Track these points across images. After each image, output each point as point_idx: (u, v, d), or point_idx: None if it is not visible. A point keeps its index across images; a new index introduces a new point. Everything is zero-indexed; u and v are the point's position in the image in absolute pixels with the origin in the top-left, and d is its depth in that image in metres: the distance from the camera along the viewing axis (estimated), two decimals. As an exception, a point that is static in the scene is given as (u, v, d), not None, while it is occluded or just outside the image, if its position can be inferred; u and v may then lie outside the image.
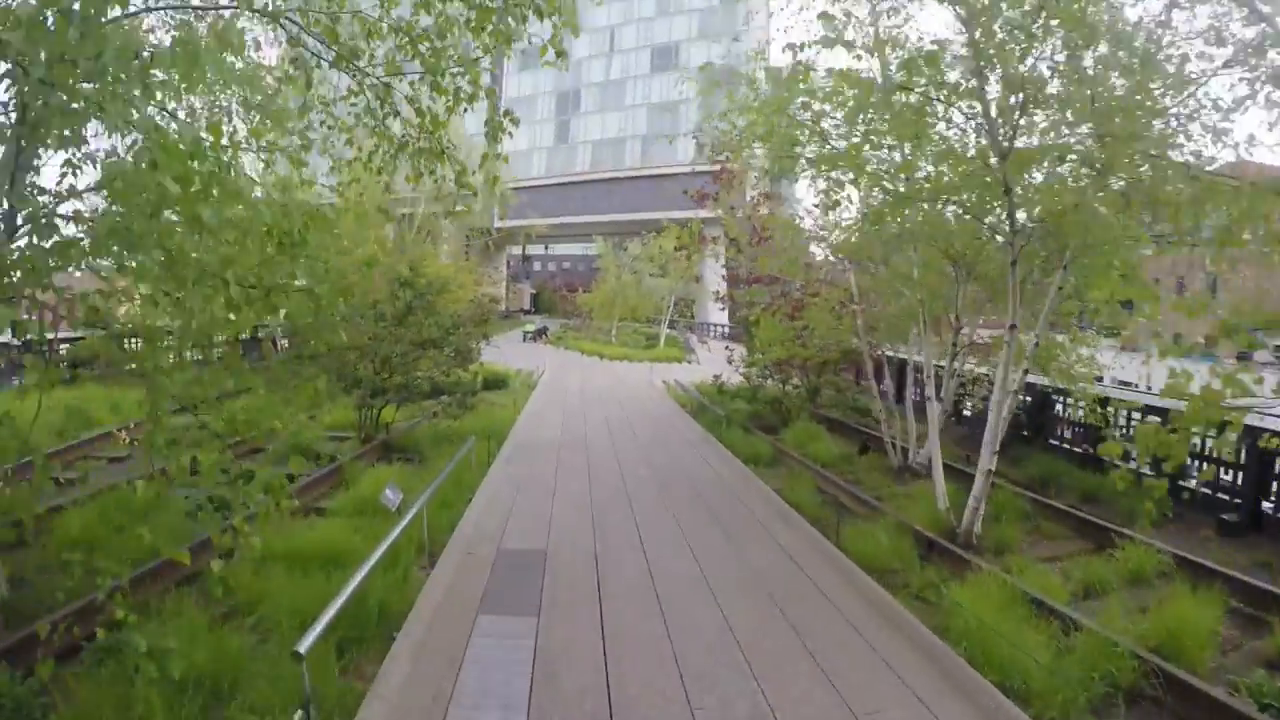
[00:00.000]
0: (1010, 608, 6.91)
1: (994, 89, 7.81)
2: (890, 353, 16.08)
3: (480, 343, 15.58)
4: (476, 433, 14.06)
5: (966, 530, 9.36)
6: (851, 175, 9.00)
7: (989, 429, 9.34)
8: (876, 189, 9.07)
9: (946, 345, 13.03)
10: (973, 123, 8.00)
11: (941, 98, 7.64)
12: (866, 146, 8.60)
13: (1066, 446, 14.53)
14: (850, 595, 6.94)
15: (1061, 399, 15.29)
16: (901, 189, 9.04)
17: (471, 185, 5.82)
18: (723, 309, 47.22)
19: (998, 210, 8.26)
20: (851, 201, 12.03)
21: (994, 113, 7.71)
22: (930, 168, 8.73)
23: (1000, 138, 7.69)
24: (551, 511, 9.50)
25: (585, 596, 6.65)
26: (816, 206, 13.95)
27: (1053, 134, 8.58)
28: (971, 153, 8.01)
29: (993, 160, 7.93)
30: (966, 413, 18.09)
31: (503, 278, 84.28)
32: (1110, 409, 12.52)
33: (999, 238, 8.49)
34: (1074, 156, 7.89)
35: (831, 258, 14.86)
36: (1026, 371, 9.02)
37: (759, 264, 15.22)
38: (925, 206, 8.44)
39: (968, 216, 9.22)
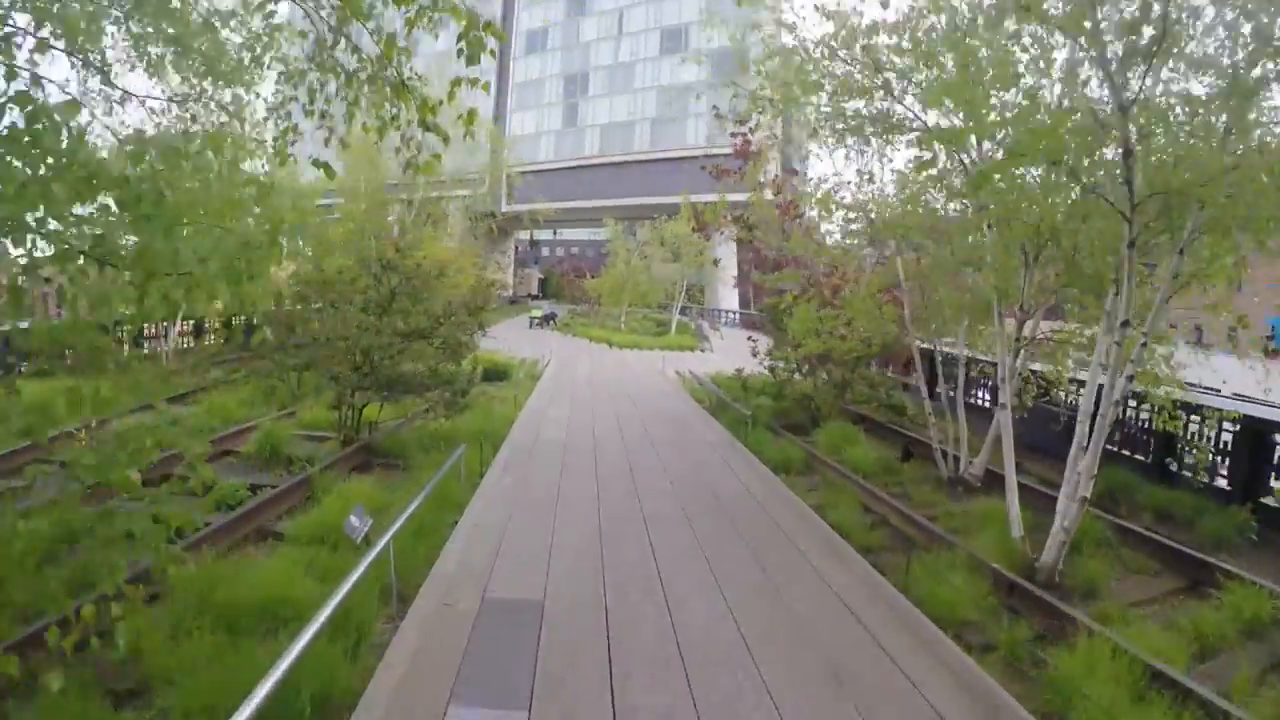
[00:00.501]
0: (1130, 683, 5.43)
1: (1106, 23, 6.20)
2: (931, 346, 14.42)
3: (475, 333, 13.93)
4: (472, 434, 12.54)
5: (1048, 567, 7.81)
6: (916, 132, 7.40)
7: (1078, 444, 7.74)
8: (954, 151, 7.51)
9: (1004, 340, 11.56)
10: (1094, 70, 6.39)
11: (1048, 30, 6.03)
12: (947, 100, 7.00)
13: (1127, 454, 12.94)
14: (931, 668, 5.37)
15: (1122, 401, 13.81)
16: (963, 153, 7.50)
17: (441, 129, 4.25)
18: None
19: (1107, 177, 6.62)
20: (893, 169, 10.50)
21: (1111, 55, 6.08)
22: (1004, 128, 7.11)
23: (1120, 86, 6.06)
24: (552, 540, 7.89)
25: (592, 674, 5.08)
26: (854, 181, 12.39)
27: (1160, 86, 7.01)
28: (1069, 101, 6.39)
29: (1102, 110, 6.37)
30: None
31: (510, 262, 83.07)
32: (1193, 416, 11.01)
33: (1107, 214, 6.82)
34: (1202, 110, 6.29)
35: (848, 239, 13.18)
36: (1132, 378, 7.41)
37: (790, 245, 13.51)
38: (1027, 172, 6.77)
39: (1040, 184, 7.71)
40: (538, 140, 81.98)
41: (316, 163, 4.07)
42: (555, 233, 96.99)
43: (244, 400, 15.27)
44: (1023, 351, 11.27)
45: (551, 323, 48.25)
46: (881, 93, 7.66)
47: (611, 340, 38.14)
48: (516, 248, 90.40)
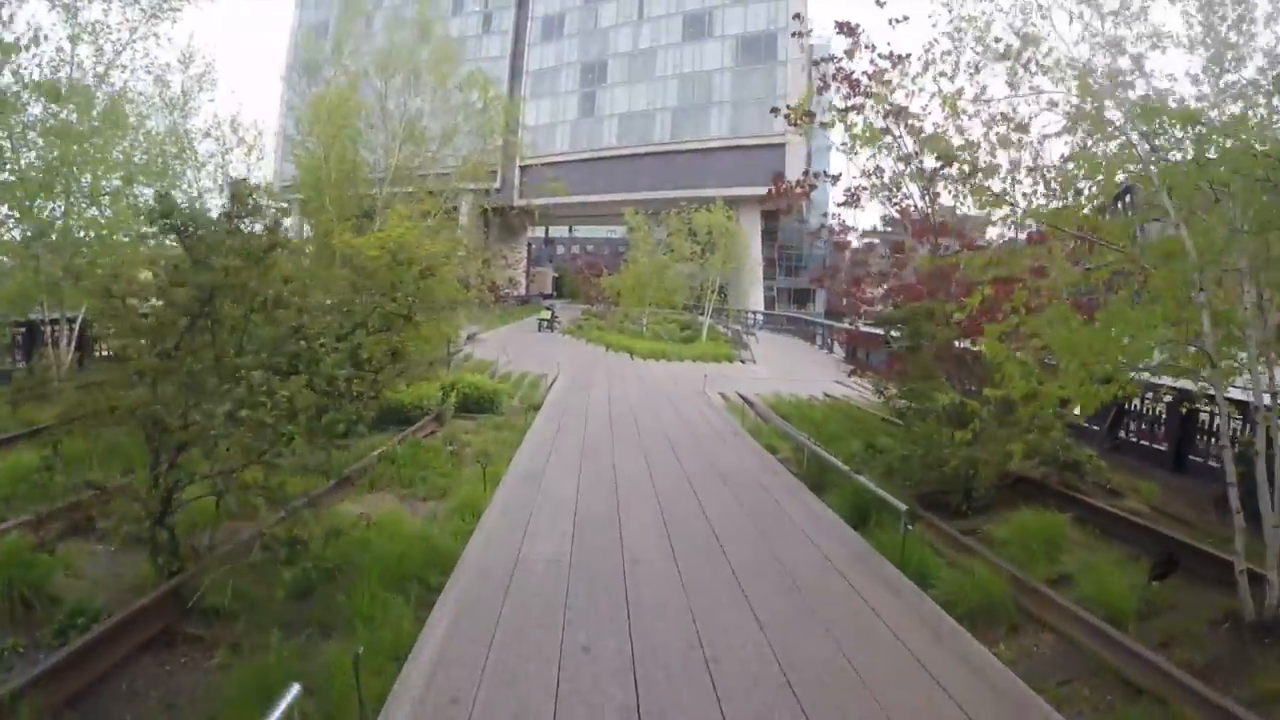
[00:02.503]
0: None
1: None
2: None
3: (399, 365, 8.01)
4: (385, 555, 6.92)
5: None
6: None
7: None
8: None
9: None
10: None
11: None
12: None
13: None
14: None
15: None
16: None
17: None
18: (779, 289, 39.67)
19: None
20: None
21: None
22: None
23: None
24: None
25: None
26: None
27: None
28: None
29: None
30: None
31: (522, 259, 78.28)
32: None
33: None
34: None
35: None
36: None
37: (981, 194, 7.23)
38: None
39: None
40: (553, 130, 77.40)
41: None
42: (571, 230, 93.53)
43: (69, 458, 9.67)
44: None
45: (554, 326, 41.06)
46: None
47: (634, 349, 31.94)
48: (530, 245, 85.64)
